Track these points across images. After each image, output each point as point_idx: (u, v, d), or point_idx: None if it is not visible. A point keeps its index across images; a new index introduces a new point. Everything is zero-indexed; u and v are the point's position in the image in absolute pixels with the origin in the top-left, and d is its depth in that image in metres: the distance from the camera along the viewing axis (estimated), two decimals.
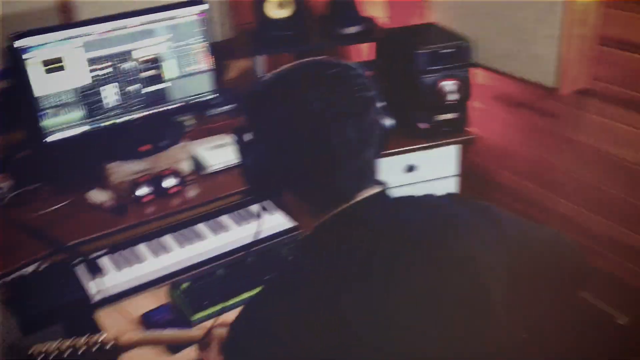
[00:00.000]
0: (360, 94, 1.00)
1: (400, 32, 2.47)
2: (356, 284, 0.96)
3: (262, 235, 1.86)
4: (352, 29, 2.58)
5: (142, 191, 2.01)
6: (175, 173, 2.06)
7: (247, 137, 1.05)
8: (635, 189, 2.07)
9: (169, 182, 2.05)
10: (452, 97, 2.23)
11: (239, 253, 1.82)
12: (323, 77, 1.00)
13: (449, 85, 2.22)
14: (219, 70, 2.18)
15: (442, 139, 2.32)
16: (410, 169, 2.34)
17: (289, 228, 1.90)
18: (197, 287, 1.66)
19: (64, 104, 1.92)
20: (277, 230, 1.88)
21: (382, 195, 1.06)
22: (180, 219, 1.97)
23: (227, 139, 2.31)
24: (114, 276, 1.70)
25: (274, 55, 2.61)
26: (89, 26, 1.89)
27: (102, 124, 2.01)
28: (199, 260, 1.78)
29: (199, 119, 2.43)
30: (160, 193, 2.03)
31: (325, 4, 2.66)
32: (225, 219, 1.93)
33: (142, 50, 2.00)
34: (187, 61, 2.10)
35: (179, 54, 2.07)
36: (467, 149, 2.44)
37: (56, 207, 1.99)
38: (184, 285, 1.68)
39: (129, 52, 1.97)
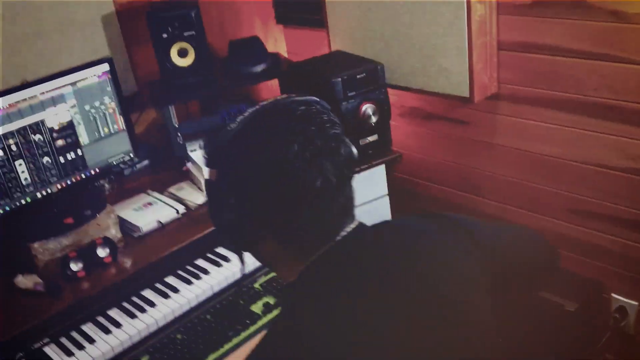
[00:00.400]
0: (332, 129, 0.98)
1: (309, 64, 2.48)
2: (354, 321, 0.94)
3: (216, 288, 1.78)
4: (259, 67, 2.57)
5: (75, 266, 1.87)
6: (107, 241, 1.94)
7: (219, 190, 1.01)
8: (557, 180, 2.18)
9: (102, 252, 1.93)
10: (373, 119, 2.26)
11: (195, 312, 1.73)
12: (293, 118, 0.98)
13: (369, 108, 2.25)
14: (130, 128, 2.09)
15: (369, 161, 2.34)
16: None
17: (240, 278, 1.83)
18: (159, 358, 1.56)
19: None
20: (231, 281, 1.81)
21: (360, 228, 1.04)
22: (122, 289, 1.85)
23: (151, 196, 2.22)
24: None
25: (183, 104, 2.57)
26: None
27: (20, 202, 1.86)
28: (154, 329, 1.67)
29: (118, 180, 2.32)
30: (95, 265, 1.90)
31: (227, 45, 2.64)
32: (171, 280, 1.83)
33: (53, 119, 1.88)
34: (99, 124, 2.00)
35: (90, 118, 1.97)
36: (394, 168, 2.48)
37: None
38: (144, 359, 1.57)
39: (38, 123, 1.85)
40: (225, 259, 1.86)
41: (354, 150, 1.04)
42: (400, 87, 2.36)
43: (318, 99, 1.02)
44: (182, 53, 2.43)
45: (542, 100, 2.12)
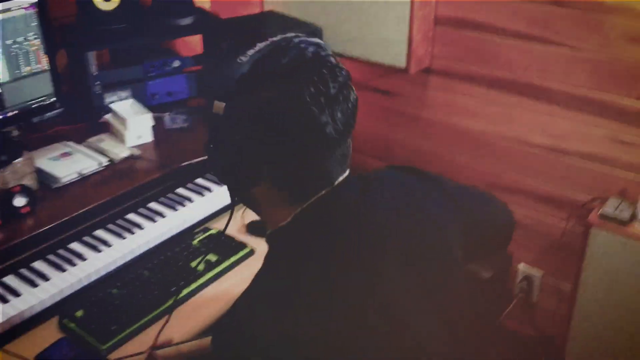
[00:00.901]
0: (342, 74, 0.96)
1: (242, 22, 2.41)
2: (350, 269, 0.95)
3: (152, 244, 1.69)
4: (185, 20, 2.46)
5: None
6: (25, 190, 1.78)
7: (226, 124, 0.95)
8: (479, 155, 2.28)
9: (19, 201, 1.77)
10: None
11: (130, 268, 1.63)
12: (306, 58, 0.94)
13: None
14: (54, 69, 1.92)
15: None
16: None
17: (177, 233, 1.75)
18: (94, 313, 1.46)
19: None
20: (166, 237, 1.73)
21: (352, 178, 1.04)
22: (42, 242, 1.70)
23: (70, 146, 2.06)
24: None
25: (101, 51, 2.40)
26: None
27: None
28: (85, 283, 1.56)
29: (27, 127, 2.13)
30: (12, 214, 1.74)
31: None
32: (102, 233, 1.72)
33: None
34: (21, 61, 1.82)
35: (12, 53, 1.79)
36: None
37: None
38: (78, 313, 1.47)
39: None
40: (160, 214, 1.77)
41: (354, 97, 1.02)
42: (336, 53, 2.34)
43: (323, 43, 0.99)
44: None
45: (472, 76, 2.20)
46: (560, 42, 1.98)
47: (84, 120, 2.30)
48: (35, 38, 1.82)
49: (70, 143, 2.12)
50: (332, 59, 0.96)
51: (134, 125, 2.15)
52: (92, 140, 2.16)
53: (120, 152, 2.08)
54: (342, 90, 0.94)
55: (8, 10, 1.74)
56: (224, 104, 0.94)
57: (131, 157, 2.08)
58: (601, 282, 1.99)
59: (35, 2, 1.79)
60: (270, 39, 0.97)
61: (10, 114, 1.83)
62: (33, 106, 1.89)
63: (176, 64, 2.45)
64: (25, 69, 1.83)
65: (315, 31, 2.24)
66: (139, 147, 2.14)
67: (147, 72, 2.39)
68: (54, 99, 1.94)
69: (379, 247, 0.98)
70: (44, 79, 1.89)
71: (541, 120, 2.11)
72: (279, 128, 0.92)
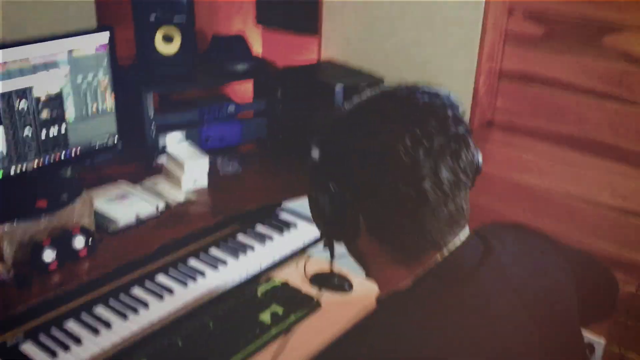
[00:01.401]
0: (456, 128, 0.89)
1: (298, 70, 2.39)
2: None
3: (215, 293, 1.62)
4: (242, 66, 2.45)
5: (48, 256, 1.65)
6: (84, 231, 1.73)
7: (321, 171, 0.90)
8: (543, 214, 2.21)
9: (78, 243, 1.71)
10: None
11: (193, 318, 1.56)
12: (413, 107, 0.88)
13: None
14: (120, 110, 1.89)
15: None
16: None
17: (241, 283, 1.69)
18: None
19: None
20: (229, 287, 1.66)
21: (473, 239, 0.96)
22: (101, 286, 1.64)
23: (125, 188, 2.02)
24: None
25: (160, 94, 2.39)
26: None
27: None
28: (148, 332, 1.48)
29: (90, 166, 2.09)
30: (69, 256, 1.68)
31: (210, 39, 2.50)
32: (163, 279, 1.65)
33: (42, 87, 1.66)
34: (89, 100, 1.79)
35: (81, 92, 1.76)
36: None
37: None
38: None
39: (26, 89, 1.62)
40: (223, 261, 1.71)
41: (479, 157, 0.95)
42: None
43: (447, 92, 0.94)
44: (167, 39, 2.26)
45: (537, 132, 2.15)
46: (634, 100, 1.93)
47: (138, 161, 2.26)
48: (104, 77, 1.80)
49: (126, 184, 2.08)
50: (449, 111, 0.90)
51: (191, 168, 2.11)
52: (148, 182, 2.12)
53: (177, 196, 2.03)
54: (451, 145, 0.87)
55: (81, 48, 1.72)
56: (319, 150, 0.90)
57: (188, 202, 2.03)
58: None
59: (107, 42, 1.78)
60: (381, 87, 0.93)
61: (73, 152, 1.80)
62: (97, 145, 1.85)
63: (231, 109, 2.42)
64: (93, 108, 1.80)
65: (377, 81, 2.21)
66: (194, 191, 2.10)
67: (202, 116, 2.37)
68: (117, 139, 1.90)
69: (512, 325, 0.90)
70: (109, 119, 1.87)
71: (611, 179, 2.04)
72: (370, 177, 0.86)
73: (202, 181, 2.14)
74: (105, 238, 1.80)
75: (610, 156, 2.02)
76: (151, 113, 2.25)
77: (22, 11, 1.99)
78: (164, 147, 2.27)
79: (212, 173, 2.17)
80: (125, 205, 1.93)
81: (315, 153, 0.92)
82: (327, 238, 0.99)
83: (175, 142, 2.29)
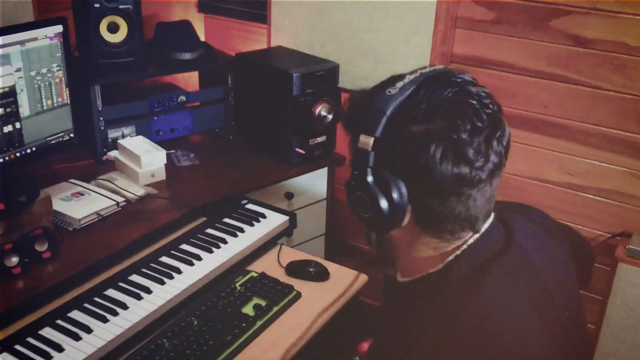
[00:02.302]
0: (496, 110, 0.92)
1: (258, 56, 2.36)
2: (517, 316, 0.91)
3: (194, 288, 1.59)
4: (191, 54, 2.39)
5: (11, 260, 1.56)
6: (45, 233, 1.65)
7: (375, 159, 0.89)
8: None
9: (40, 246, 1.63)
10: (328, 119, 2.20)
11: (175, 316, 1.52)
12: (461, 93, 0.90)
13: (324, 108, 2.19)
14: (75, 104, 1.81)
15: (316, 163, 2.27)
16: (290, 196, 2.24)
17: (217, 277, 1.66)
18: None
19: None
20: (205, 282, 1.63)
21: (497, 222, 0.99)
22: (70, 289, 1.57)
23: (79, 186, 1.94)
24: None
25: (109, 85, 2.29)
26: None
27: None
28: (131, 334, 1.43)
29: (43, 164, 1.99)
30: (33, 260, 1.60)
31: (155, 26, 2.42)
32: (137, 278, 1.60)
33: None
34: (43, 94, 1.70)
35: (35, 86, 1.67)
36: (334, 172, 2.42)
37: None
38: None
39: None
40: (196, 256, 1.67)
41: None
42: (352, 90, 2.33)
43: (471, 77, 0.95)
44: (113, 28, 2.17)
45: None
46: (581, 82, 2.03)
47: (85, 157, 2.17)
48: (58, 70, 1.71)
49: (78, 182, 2.00)
50: (485, 94, 0.92)
51: (148, 163, 2.05)
52: (102, 178, 2.04)
53: (136, 191, 1.97)
54: (497, 127, 0.90)
55: (34, 39, 1.62)
56: (372, 138, 0.88)
57: (148, 197, 1.97)
58: (627, 319, 2.01)
59: (61, 32, 1.69)
60: (420, 71, 0.93)
61: (29, 150, 1.70)
62: (52, 142, 1.76)
63: (182, 98, 2.36)
64: (47, 103, 1.71)
65: (333, 68, 2.21)
66: (153, 185, 2.04)
67: (152, 107, 2.30)
68: (72, 135, 1.81)
69: (539, 292, 0.94)
70: (65, 113, 1.78)
71: (559, 157, 2.14)
72: (427, 164, 0.87)
73: (160, 175, 2.08)
74: (67, 238, 1.73)
75: (558, 135, 2.12)
76: (99, 106, 2.15)
77: None
78: (113, 141, 2.18)
79: (168, 166, 2.11)
80: (83, 203, 1.86)
81: (366, 141, 0.90)
82: (375, 228, 0.96)
83: (124, 136, 2.21)
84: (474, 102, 0.88)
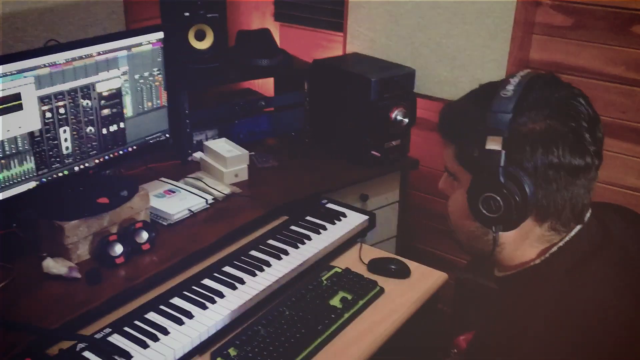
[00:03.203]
0: (592, 108, 0.97)
1: (336, 62, 2.45)
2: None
3: (283, 281, 1.67)
4: (270, 61, 2.48)
5: (116, 251, 1.67)
6: (146, 225, 1.76)
7: (506, 158, 0.95)
8: None
9: (141, 238, 1.74)
10: (402, 124, 2.26)
11: (267, 306, 1.60)
12: (566, 92, 0.96)
13: (399, 112, 2.24)
14: (172, 106, 1.92)
15: (391, 166, 2.33)
16: (365, 198, 2.31)
17: (303, 271, 1.73)
18: (248, 351, 1.42)
19: (15, 153, 1.53)
20: (293, 275, 1.71)
21: (593, 215, 1.03)
22: (167, 278, 1.68)
23: (169, 184, 2.05)
24: (143, 358, 1.37)
25: (197, 91, 2.41)
26: (44, 57, 1.54)
27: (57, 175, 1.63)
28: (228, 321, 1.52)
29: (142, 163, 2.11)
30: (135, 250, 1.71)
31: (236, 34, 2.53)
32: (231, 270, 1.69)
33: (103, 84, 1.68)
34: (145, 96, 1.82)
35: (138, 88, 1.79)
36: (407, 176, 2.47)
37: (4, 283, 1.56)
38: (232, 352, 1.43)
39: (89, 86, 1.64)
40: (284, 251, 1.75)
41: None
42: (427, 96, 2.38)
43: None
44: (200, 35, 2.29)
45: None
46: None
47: (173, 157, 2.29)
48: (158, 74, 1.83)
49: (169, 180, 2.11)
50: (580, 91, 0.98)
51: (233, 163, 2.15)
52: (189, 178, 2.15)
53: (223, 189, 2.07)
54: (596, 120, 0.96)
55: (139, 45, 1.74)
56: (501, 138, 0.93)
57: (233, 195, 2.06)
58: None
59: (162, 38, 1.80)
60: (520, 74, 0.98)
61: (131, 149, 1.82)
62: (151, 141, 1.88)
63: (261, 103, 2.46)
64: (148, 105, 1.83)
65: (409, 73, 2.27)
66: (237, 184, 2.13)
67: (234, 111, 2.40)
68: (168, 135, 1.93)
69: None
70: (162, 115, 1.89)
71: (638, 162, 2.14)
72: (553, 158, 0.93)
73: (244, 175, 2.18)
74: (162, 232, 1.83)
75: (638, 140, 2.12)
76: (186, 109, 2.27)
77: (51, 14, 2.01)
78: (198, 143, 2.29)
79: (250, 167, 2.21)
80: (176, 200, 1.97)
81: (496, 141, 0.94)
82: (503, 226, 0.99)
83: (208, 138, 2.32)
84: (582, 99, 0.94)
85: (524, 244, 1.00)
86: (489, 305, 1.10)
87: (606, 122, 2.11)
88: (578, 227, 0.99)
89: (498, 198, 0.95)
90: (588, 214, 1.01)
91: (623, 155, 2.15)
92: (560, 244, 0.98)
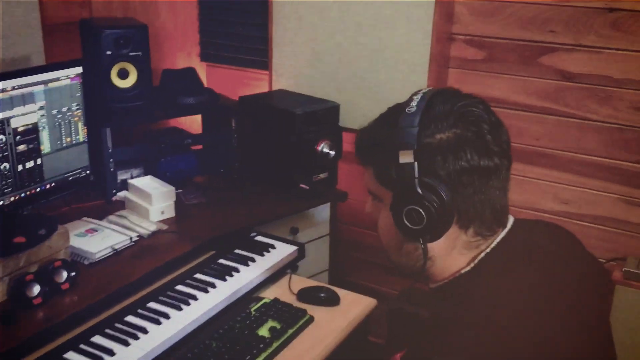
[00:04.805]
0: (482, 104, 1.02)
1: (261, 98, 2.47)
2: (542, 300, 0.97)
3: (211, 313, 1.64)
4: (196, 99, 2.49)
5: (33, 291, 1.61)
6: (66, 264, 1.70)
7: (419, 169, 0.97)
8: None
9: (60, 277, 1.68)
10: (331, 156, 2.29)
11: (194, 339, 1.56)
12: (467, 102, 1.00)
13: (326, 145, 2.28)
14: (92, 142, 1.89)
15: (319, 198, 2.35)
16: (295, 231, 2.31)
17: (232, 303, 1.71)
18: None
19: None
20: (221, 307, 1.68)
21: (517, 221, 1.07)
22: (88, 317, 1.62)
23: (92, 222, 2.00)
24: None
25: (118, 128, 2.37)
26: None
27: None
28: (152, 356, 1.47)
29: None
30: (53, 290, 1.65)
31: (162, 73, 2.53)
32: (156, 305, 1.65)
33: (18, 119, 1.64)
34: (63, 132, 1.78)
35: (55, 124, 1.75)
36: (336, 208, 2.50)
37: None
38: None
39: (3, 122, 1.60)
40: (211, 284, 1.72)
41: None
42: (352, 129, 2.43)
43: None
44: (123, 74, 2.28)
45: None
46: (570, 114, 2.15)
47: (97, 197, 2.23)
48: (77, 109, 1.80)
49: (91, 219, 2.05)
50: (480, 100, 1.03)
51: (159, 200, 2.11)
52: (113, 216, 2.10)
53: (148, 226, 2.03)
54: (499, 125, 1.01)
55: (56, 80, 1.72)
56: (412, 151, 0.96)
57: (159, 232, 2.03)
58: (625, 339, 2.06)
59: (81, 73, 1.78)
60: (422, 91, 1.02)
61: (49, 185, 1.77)
62: (70, 178, 1.83)
63: (188, 141, 2.45)
64: (66, 140, 1.79)
65: (334, 107, 2.32)
66: (163, 221, 2.10)
67: (159, 149, 2.38)
68: (89, 172, 1.89)
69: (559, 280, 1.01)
70: (82, 151, 1.86)
71: (553, 187, 2.24)
72: (464, 163, 0.96)
73: (170, 212, 2.15)
74: (83, 271, 1.77)
75: (551, 165, 2.22)
76: (109, 148, 2.23)
77: None
78: (123, 183, 2.25)
79: (176, 203, 2.18)
80: (98, 238, 1.91)
81: (405, 155, 0.96)
82: (429, 236, 1.00)
83: (132, 177, 2.28)
84: (481, 106, 0.99)
85: (452, 253, 1.02)
86: (422, 323, 1.11)
87: (521, 149, 2.21)
88: (504, 232, 1.02)
89: (419, 209, 0.97)
90: (511, 220, 1.04)
91: (538, 180, 2.24)
92: (487, 250, 1.01)
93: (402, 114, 0.97)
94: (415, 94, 1.02)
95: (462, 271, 1.02)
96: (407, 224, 0.99)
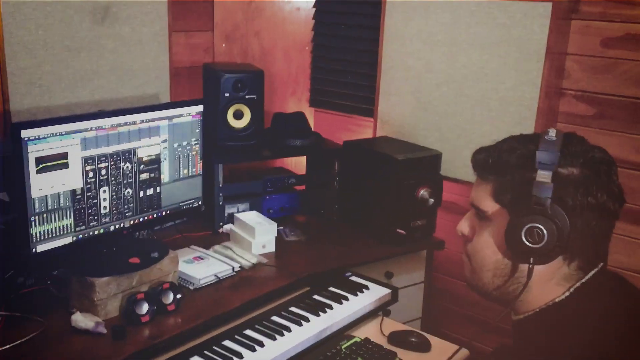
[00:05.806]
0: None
1: (365, 143, 2.55)
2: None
3: (302, 347, 1.69)
4: (303, 141, 2.60)
5: (142, 309, 1.73)
6: (173, 287, 1.82)
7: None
8: None
9: (167, 298, 1.79)
10: (428, 203, 2.31)
11: None
12: (583, 146, 1.07)
13: (425, 191, 2.31)
14: (206, 175, 2.03)
15: (416, 244, 2.36)
16: (389, 275, 2.33)
17: (324, 338, 1.75)
18: None
19: (56, 209, 1.63)
20: (313, 342, 1.72)
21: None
22: (189, 339, 1.71)
23: (199, 251, 2.13)
24: None
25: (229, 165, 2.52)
26: (92, 120, 1.67)
27: (94, 232, 1.72)
28: None
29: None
30: (160, 310, 1.76)
31: (273, 116, 2.67)
32: (252, 333, 1.72)
33: (144, 150, 1.80)
34: (181, 164, 1.93)
35: (175, 156, 1.90)
36: (432, 256, 2.50)
37: (33, 334, 1.62)
38: None
39: (131, 151, 1.76)
40: (305, 318, 1.78)
41: None
42: (453, 179, 2.45)
43: None
44: (238, 115, 2.43)
45: None
46: None
47: (205, 228, 2.37)
48: (196, 144, 1.95)
49: (198, 248, 2.18)
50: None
51: (261, 234, 2.21)
52: (219, 246, 2.22)
53: (250, 259, 2.12)
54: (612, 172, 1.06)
55: (180, 116, 1.87)
56: (551, 172, 1.00)
57: (260, 264, 2.12)
58: None
59: (201, 112, 1.94)
60: (551, 129, 1.05)
61: (164, 212, 1.91)
62: (184, 207, 1.97)
63: (292, 181, 2.56)
64: (183, 172, 1.94)
65: (436, 155, 2.35)
66: (264, 255, 2.19)
67: (266, 187, 2.50)
68: (201, 202, 2.02)
69: None
70: (197, 183, 1.99)
71: None
72: (590, 200, 1.00)
73: (271, 246, 2.24)
74: (188, 295, 1.89)
75: None
76: (220, 183, 2.38)
77: (107, 78, 2.18)
78: (229, 216, 2.38)
79: (277, 239, 2.27)
80: (203, 266, 2.03)
81: (544, 176, 1.01)
82: (541, 257, 1.03)
83: (238, 211, 2.41)
84: (609, 157, 1.06)
85: (549, 283, 1.05)
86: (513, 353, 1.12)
87: (630, 210, 2.14)
88: (600, 264, 1.05)
89: (542, 227, 1.00)
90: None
91: None
92: (583, 280, 1.04)
93: (542, 139, 1.01)
94: (545, 131, 1.05)
95: (557, 299, 1.03)
96: (525, 241, 1.01)
